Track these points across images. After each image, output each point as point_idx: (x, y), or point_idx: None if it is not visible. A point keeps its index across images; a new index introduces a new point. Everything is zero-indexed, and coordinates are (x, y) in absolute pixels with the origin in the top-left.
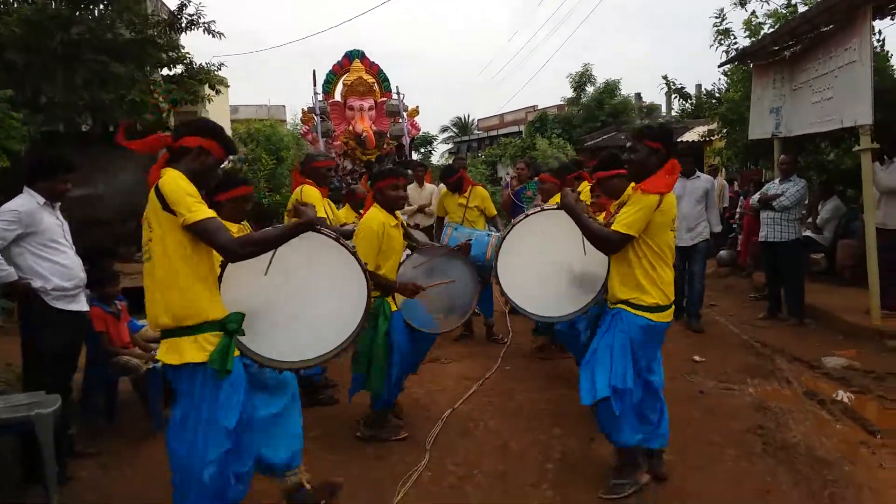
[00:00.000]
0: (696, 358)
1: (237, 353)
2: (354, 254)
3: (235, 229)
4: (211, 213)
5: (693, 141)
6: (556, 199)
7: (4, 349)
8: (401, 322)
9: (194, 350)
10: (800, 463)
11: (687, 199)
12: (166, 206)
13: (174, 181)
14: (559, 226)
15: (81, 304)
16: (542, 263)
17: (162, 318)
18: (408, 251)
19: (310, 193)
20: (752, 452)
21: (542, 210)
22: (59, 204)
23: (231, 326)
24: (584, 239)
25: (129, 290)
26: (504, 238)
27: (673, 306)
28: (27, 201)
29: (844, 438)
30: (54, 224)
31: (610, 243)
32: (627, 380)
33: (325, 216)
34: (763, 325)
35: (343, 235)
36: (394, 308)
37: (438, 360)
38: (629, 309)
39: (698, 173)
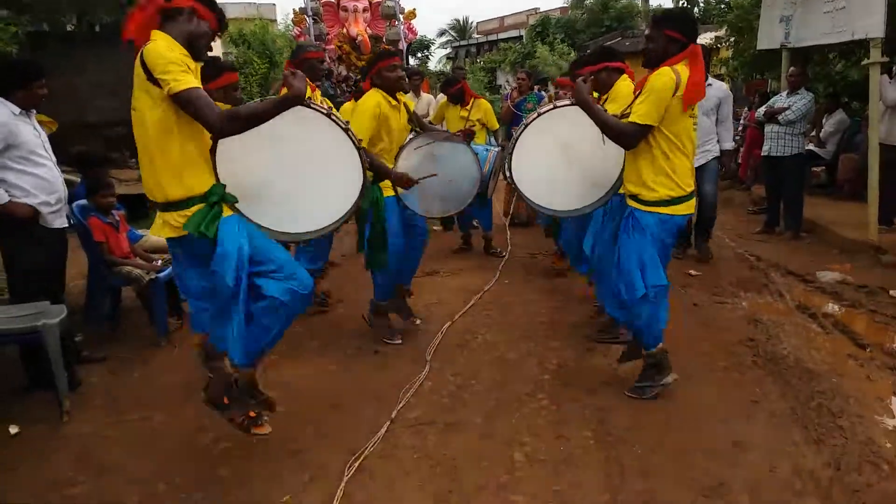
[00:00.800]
0: (692, 272)
1: (228, 212)
2: (347, 130)
3: None
4: (197, 83)
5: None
6: None
7: None
8: (394, 206)
9: (182, 223)
10: (788, 374)
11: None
12: (150, 76)
13: (158, 49)
14: (574, 122)
15: (64, 220)
16: (557, 160)
17: (154, 193)
18: (411, 135)
19: None
20: (742, 363)
21: (555, 108)
22: (35, 113)
23: (212, 199)
24: (601, 133)
25: (126, 197)
26: (518, 137)
27: (693, 197)
28: (1, 113)
29: (833, 351)
30: (32, 135)
31: (627, 136)
32: (661, 275)
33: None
34: (759, 238)
35: None
36: (387, 194)
37: (437, 273)
38: (638, 206)
39: (710, 80)
